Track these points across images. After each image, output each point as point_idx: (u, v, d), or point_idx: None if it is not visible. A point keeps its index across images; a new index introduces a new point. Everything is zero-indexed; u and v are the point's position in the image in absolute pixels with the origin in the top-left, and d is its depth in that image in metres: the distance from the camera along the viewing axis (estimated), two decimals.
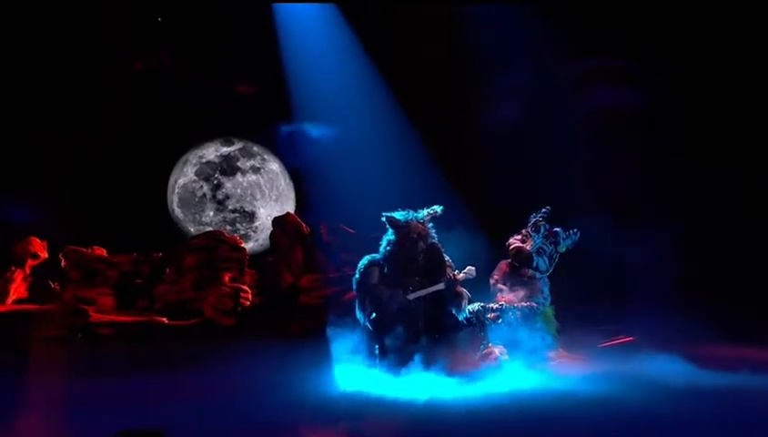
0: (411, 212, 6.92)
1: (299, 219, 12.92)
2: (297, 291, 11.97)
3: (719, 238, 10.88)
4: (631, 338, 9.15)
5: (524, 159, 11.62)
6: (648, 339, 8.90)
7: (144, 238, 12.49)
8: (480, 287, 7.67)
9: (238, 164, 14.51)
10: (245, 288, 12.16)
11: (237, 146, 14.60)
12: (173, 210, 14.38)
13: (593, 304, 9.89)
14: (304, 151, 13.67)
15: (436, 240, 7.03)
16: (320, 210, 12.97)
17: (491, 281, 7.84)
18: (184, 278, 12.09)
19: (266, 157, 14.71)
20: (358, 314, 6.83)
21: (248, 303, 12.09)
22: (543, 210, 7.82)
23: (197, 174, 14.39)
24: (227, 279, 12.15)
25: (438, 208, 6.98)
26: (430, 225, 6.95)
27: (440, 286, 6.77)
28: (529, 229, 7.79)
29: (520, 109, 11.97)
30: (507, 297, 7.57)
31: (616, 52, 12.10)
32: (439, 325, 6.74)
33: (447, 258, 7.07)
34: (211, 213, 14.30)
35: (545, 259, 7.64)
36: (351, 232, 12.00)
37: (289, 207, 14.60)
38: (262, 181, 14.53)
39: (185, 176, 14.42)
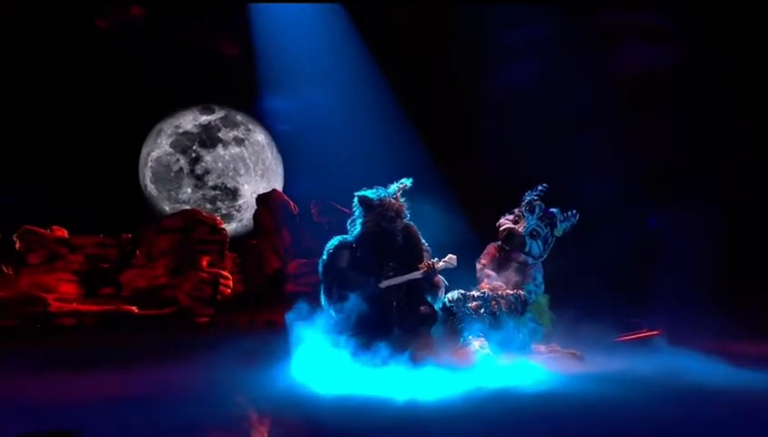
0: (381, 188, 6.77)
1: (287, 197, 12.88)
2: (284, 278, 12.00)
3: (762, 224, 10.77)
4: (655, 331, 9.05)
5: (537, 129, 11.49)
6: (671, 333, 8.81)
7: (111, 217, 12.45)
8: (462, 275, 7.54)
9: (219, 135, 14.41)
10: (225, 274, 12.20)
11: (219, 114, 14.49)
12: (145, 186, 14.31)
13: (610, 292, 9.79)
14: (291, 120, 13.73)
15: (408, 219, 6.89)
16: (311, 187, 12.97)
17: (478, 266, 7.69)
18: (156, 262, 12.17)
19: (250, 127, 14.59)
20: (323, 301, 6.64)
21: (229, 291, 12.12)
22: (540, 188, 7.68)
23: (172, 146, 14.30)
24: (205, 263, 12.20)
25: (407, 181, 6.81)
26: (405, 201, 6.81)
27: (417, 274, 6.60)
28: (522, 209, 7.65)
29: (534, 70, 11.77)
30: (493, 284, 7.43)
31: (650, 4, 11.89)
32: (413, 316, 6.61)
33: (423, 242, 6.91)
34: (189, 190, 14.22)
35: (539, 242, 7.51)
36: (346, 212, 11.60)
37: (277, 183, 14.53)
38: (246, 154, 14.44)
39: (159, 148, 14.33)
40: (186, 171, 14.22)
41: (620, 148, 11.28)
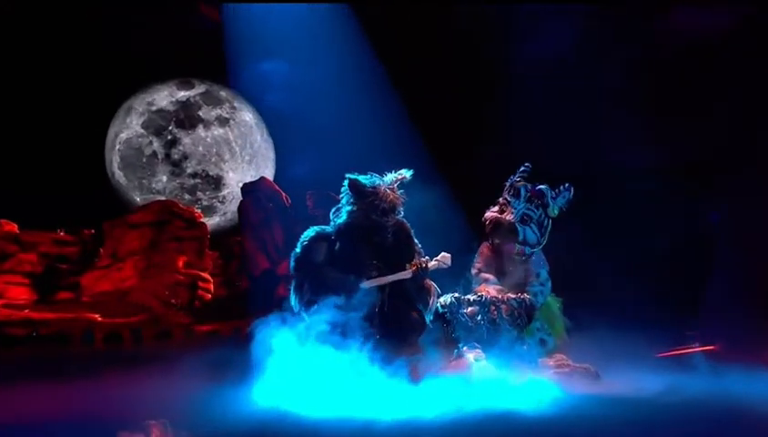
0: (376, 176, 6.60)
1: (278, 187, 12.85)
2: (273, 280, 11.72)
3: None
4: (709, 347, 8.79)
5: (565, 108, 11.05)
6: (724, 348, 8.57)
7: (71, 209, 12.25)
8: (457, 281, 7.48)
9: (200, 113, 14.19)
10: (205, 275, 12.39)
11: (199, 89, 14.28)
12: (112, 174, 14.10)
13: (651, 298, 9.41)
14: (284, 97, 13.38)
15: (402, 216, 6.68)
16: (307, 175, 12.77)
17: (473, 271, 7.55)
18: (124, 262, 12.26)
19: (236, 104, 14.37)
20: (293, 302, 6.50)
21: (210, 296, 12.31)
22: (522, 168, 7.53)
23: (144, 126, 14.09)
24: (181, 263, 12.31)
25: (406, 173, 6.67)
26: (401, 194, 6.62)
27: (406, 274, 6.44)
28: (506, 196, 7.50)
29: (566, 37, 11.37)
30: (492, 288, 7.27)
31: None
32: (397, 323, 6.48)
33: (417, 243, 6.73)
34: (164, 178, 14.00)
35: (533, 227, 7.37)
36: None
37: (267, 170, 14.37)
38: (231, 136, 14.27)
39: (128, 128, 14.11)
40: (160, 156, 14.01)
41: (667, 130, 10.99)
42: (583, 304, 7.89)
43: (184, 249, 12.26)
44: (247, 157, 14.41)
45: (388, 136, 11.75)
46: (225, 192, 14.32)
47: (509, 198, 7.46)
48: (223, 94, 14.46)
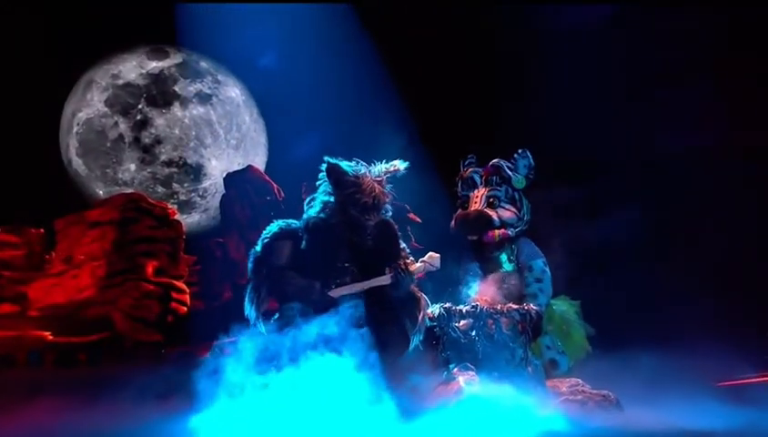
0: (363, 165, 6.53)
1: (268, 177, 12.99)
2: None
3: None
4: None
5: (604, 85, 11.22)
6: None
7: (15, 203, 11.99)
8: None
9: (176, 88, 14.05)
10: (179, 285, 12.32)
11: (174, 59, 14.12)
12: (69, 161, 13.94)
13: (709, 310, 9.36)
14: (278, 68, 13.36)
15: (389, 216, 6.57)
16: (305, 162, 11.33)
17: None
18: (80, 269, 12.06)
19: (220, 77, 14.29)
20: (248, 311, 6.39)
21: (185, 309, 12.24)
22: (466, 161, 7.80)
23: (108, 104, 13.88)
24: (150, 270, 12.14)
25: (401, 164, 6.61)
26: (389, 189, 6.55)
27: (384, 280, 6.33)
28: (461, 193, 7.70)
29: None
30: (487, 295, 7.26)
31: None
32: (377, 340, 6.32)
33: (403, 246, 6.54)
34: (132, 166, 13.89)
35: (504, 206, 7.50)
36: (417, 220, 12.33)
37: (258, 158, 14.39)
38: (214, 117, 14.17)
39: (89, 106, 13.92)
40: (128, 140, 13.85)
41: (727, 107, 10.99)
42: (615, 314, 8.25)
43: (154, 253, 11.97)
44: (233, 142, 14.38)
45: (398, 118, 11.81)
46: (206, 184, 14.38)
47: (464, 193, 7.56)
48: (204, 65, 14.38)
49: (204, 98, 14.12)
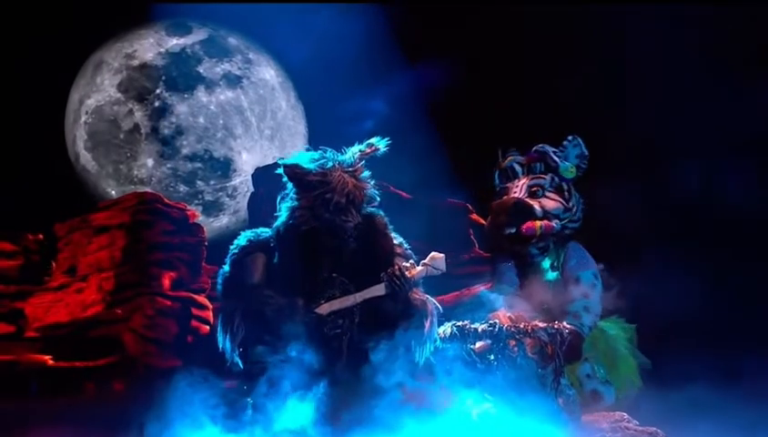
0: (330, 152, 6.60)
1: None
2: None
3: None
4: None
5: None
6: None
7: (12, 205, 12.08)
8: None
9: (200, 70, 14.06)
10: (201, 300, 12.22)
11: (198, 35, 14.18)
12: (76, 156, 14.03)
13: None
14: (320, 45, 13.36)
15: (377, 208, 6.71)
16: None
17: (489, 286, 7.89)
18: (86, 281, 11.94)
19: (252, 56, 14.35)
20: (220, 341, 6.48)
21: (208, 328, 12.07)
22: (509, 152, 7.97)
23: (122, 89, 13.94)
24: (167, 282, 12.03)
25: (379, 142, 6.71)
26: (367, 177, 6.67)
27: (378, 290, 6.34)
28: (500, 185, 7.88)
29: None
30: (516, 309, 7.34)
31: None
32: (370, 365, 6.41)
33: (398, 239, 6.73)
34: (149, 161, 13.91)
35: (550, 195, 7.64)
36: (405, 196, 12.35)
37: (298, 148, 13.96)
38: (245, 102, 14.16)
39: (99, 92, 13.98)
40: (144, 131, 13.86)
41: None
42: (680, 341, 8.55)
43: (171, 262, 11.84)
44: (267, 132, 14.34)
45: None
46: (236, 181, 14.41)
47: (503, 185, 7.66)
48: (233, 41, 14.41)
49: (233, 81, 14.07)
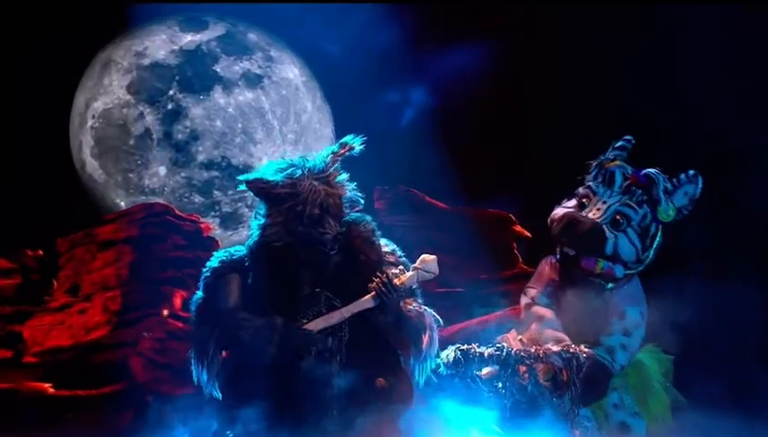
0: (300, 159, 6.61)
1: None
2: None
3: None
4: None
5: None
6: None
7: (10, 218, 12.10)
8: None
9: (217, 69, 13.98)
10: None
11: (215, 30, 14.13)
12: (82, 164, 13.97)
13: None
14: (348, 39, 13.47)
15: (360, 214, 6.65)
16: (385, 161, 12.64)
17: (524, 301, 7.57)
18: (89, 301, 12.20)
19: (274, 53, 14.23)
20: (195, 372, 6.46)
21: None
22: (621, 142, 7.54)
23: (131, 90, 13.87)
24: (178, 302, 12.24)
25: (353, 141, 6.71)
26: (343, 180, 6.62)
27: (366, 303, 6.28)
28: (591, 183, 7.50)
29: None
30: (544, 333, 7.15)
31: None
32: (362, 389, 6.34)
33: (390, 246, 6.66)
34: (162, 169, 13.79)
35: (631, 234, 7.23)
36: (438, 205, 12.56)
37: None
38: (267, 104, 14.05)
39: (107, 94, 13.91)
40: (156, 136, 13.77)
41: None
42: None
43: (183, 280, 11.95)
44: (290, 136, 14.21)
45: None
46: None
47: (595, 187, 7.27)
48: (253, 37, 14.34)
49: (253, 81, 13.97)
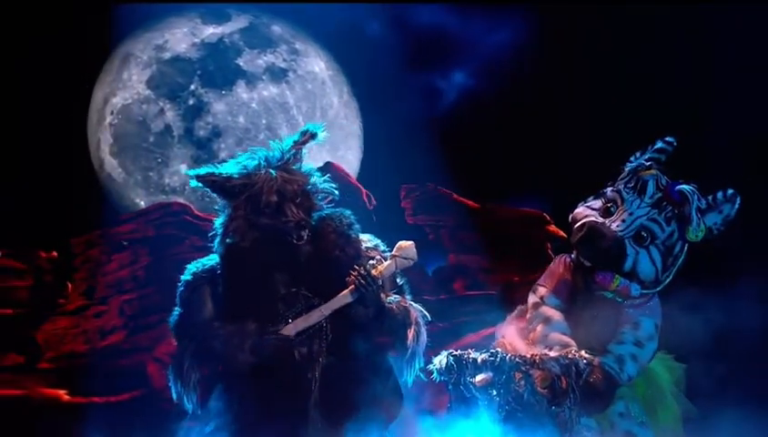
0: (262, 151, 6.56)
1: (353, 178, 13.43)
2: None
3: None
4: None
5: None
6: None
7: (25, 218, 12.14)
8: None
9: (240, 63, 13.87)
10: None
11: (238, 23, 14.00)
12: (100, 162, 13.87)
13: None
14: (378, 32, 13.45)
15: (336, 208, 6.65)
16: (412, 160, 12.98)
17: (532, 299, 7.43)
18: (106, 305, 12.20)
19: (299, 46, 14.10)
20: (173, 389, 6.49)
21: None
22: (660, 144, 7.31)
23: (151, 85, 13.79)
24: None
25: (314, 128, 6.65)
26: (308, 170, 6.63)
27: (343, 298, 6.30)
28: (620, 188, 7.25)
29: None
30: (550, 337, 6.99)
31: None
32: (343, 394, 6.32)
33: (373, 242, 6.62)
34: (183, 167, 13.69)
35: (654, 252, 7.03)
36: (472, 206, 12.56)
37: (351, 152, 14.33)
38: (291, 99, 13.92)
39: (125, 88, 13.82)
40: (177, 132, 13.67)
41: None
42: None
43: None
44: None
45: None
46: None
47: (624, 193, 7.01)
48: (277, 29, 14.22)
49: (277, 75, 13.86)
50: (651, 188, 6.96)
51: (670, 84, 12.18)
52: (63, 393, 11.18)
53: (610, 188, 7.15)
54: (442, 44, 13.22)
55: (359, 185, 12.71)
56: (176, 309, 6.50)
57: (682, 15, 12.55)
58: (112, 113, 13.83)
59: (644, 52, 12.74)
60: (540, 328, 6.95)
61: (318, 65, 14.19)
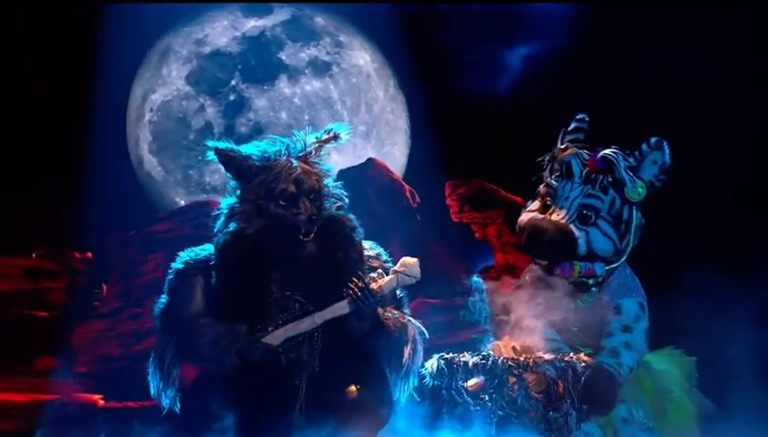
0: (279, 140, 6.44)
1: (396, 174, 13.59)
2: None
3: None
4: None
5: None
6: None
7: (58, 219, 12.10)
8: None
9: (282, 57, 13.95)
10: None
11: (279, 15, 14.08)
12: (139, 160, 14.06)
13: None
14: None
15: (342, 206, 6.59)
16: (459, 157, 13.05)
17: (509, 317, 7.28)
18: (141, 307, 12.22)
19: (343, 38, 14.18)
20: (152, 385, 6.55)
21: None
22: (574, 123, 7.14)
23: (191, 81, 13.93)
24: None
25: (339, 128, 6.66)
26: (324, 169, 6.54)
27: (340, 308, 6.25)
28: (548, 181, 7.12)
29: None
30: (527, 341, 6.92)
31: None
32: (333, 405, 6.26)
33: (375, 249, 6.58)
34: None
35: (603, 225, 6.88)
36: (518, 201, 12.03)
37: (398, 148, 14.39)
38: (335, 93, 14.02)
39: (165, 84, 13.99)
40: (218, 129, 13.73)
41: None
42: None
43: None
44: (361, 128, 14.15)
45: None
46: None
47: (554, 182, 6.86)
48: (320, 21, 14.28)
49: (321, 68, 13.95)
50: (575, 166, 6.84)
51: None
52: (98, 398, 11.24)
53: (541, 186, 6.98)
54: (489, 43, 13.03)
55: (402, 182, 12.78)
56: (162, 296, 6.43)
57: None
58: (151, 110, 13.99)
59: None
60: (507, 336, 6.81)
61: (362, 57, 14.26)
